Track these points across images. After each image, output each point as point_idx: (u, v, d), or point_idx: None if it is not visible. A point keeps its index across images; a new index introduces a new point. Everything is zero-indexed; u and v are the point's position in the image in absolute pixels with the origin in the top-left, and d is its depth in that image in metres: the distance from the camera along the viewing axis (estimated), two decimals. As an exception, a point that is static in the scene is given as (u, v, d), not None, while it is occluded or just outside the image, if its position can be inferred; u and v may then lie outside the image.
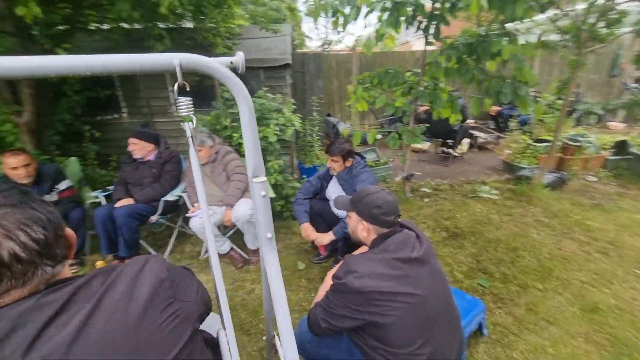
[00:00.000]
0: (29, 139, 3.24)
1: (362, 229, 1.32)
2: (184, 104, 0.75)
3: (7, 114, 3.19)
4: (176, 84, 0.71)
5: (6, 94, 3.11)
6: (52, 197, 2.63)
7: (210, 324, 1.29)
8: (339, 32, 11.20)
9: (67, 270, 0.70)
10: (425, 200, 3.74)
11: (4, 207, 0.60)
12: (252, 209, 2.34)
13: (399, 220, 1.36)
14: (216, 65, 0.74)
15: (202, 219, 2.32)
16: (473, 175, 4.49)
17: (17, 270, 0.59)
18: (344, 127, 6.18)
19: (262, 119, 3.08)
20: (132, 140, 2.76)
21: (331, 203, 2.48)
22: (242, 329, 1.99)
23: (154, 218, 2.68)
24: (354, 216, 1.36)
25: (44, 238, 0.62)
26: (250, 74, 3.95)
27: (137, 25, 3.32)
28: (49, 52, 2.77)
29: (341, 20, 2.85)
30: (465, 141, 5.68)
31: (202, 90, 4.11)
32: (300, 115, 3.41)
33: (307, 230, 2.38)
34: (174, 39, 3.92)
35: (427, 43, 3.24)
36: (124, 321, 0.64)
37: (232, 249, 2.67)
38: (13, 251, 0.58)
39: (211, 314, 1.45)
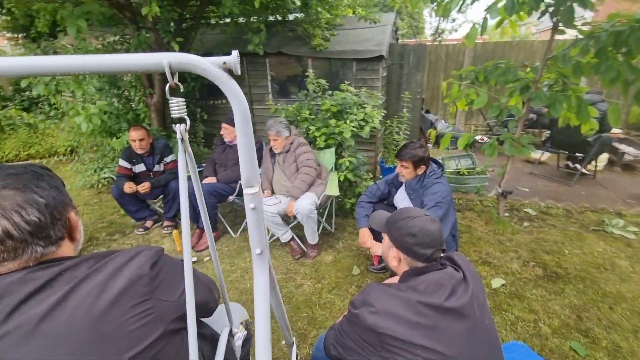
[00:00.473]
0: (156, 117, 3.92)
1: (392, 257, 1.13)
2: (176, 105, 0.73)
3: (142, 96, 3.93)
4: (167, 85, 0.69)
5: (144, 79, 3.81)
6: (160, 167, 3.14)
7: (234, 315, 1.31)
8: (453, 20, 10.09)
9: (65, 250, 0.77)
10: (525, 224, 3.09)
11: (7, 189, 0.68)
12: (314, 204, 2.31)
13: (444, 254, 1.12)
14: (207, 65, 0.68)
15: (272, 206, 2.43)
16: (604, 202, 3.50)
17: (9, 245, 0.66)
18: (442, 127, 5.61)
19: (341, 114, 3.00)
20: (223, 125, 3.05)
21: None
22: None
23: (231, 198, 2.94)
24: (386, 239, 1.18)
25: (37, 220, 0.69)
26: (343, 66, 3.89)
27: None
28: (165, 46, 3.24)
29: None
30: (604, 156, 4.47)
31: (292, 80, 4.26)
32: (384, 112, 3.19)
33: (364, 236, 2.23)
34: (278, 31, 4.15)
35: (556, 31, 2.58)
36: (89, 311, 0.67)
37: (292, 238, 2.73)
38: (6, 229, 0.66)
39: (237, 305, 1.47)
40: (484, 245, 2.75)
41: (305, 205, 2.47)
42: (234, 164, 3.04)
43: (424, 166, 2.14)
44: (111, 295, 0.70)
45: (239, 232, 3.06)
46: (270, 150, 2.83)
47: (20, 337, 0.63)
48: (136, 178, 3.09)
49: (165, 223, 3.19)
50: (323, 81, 3.16)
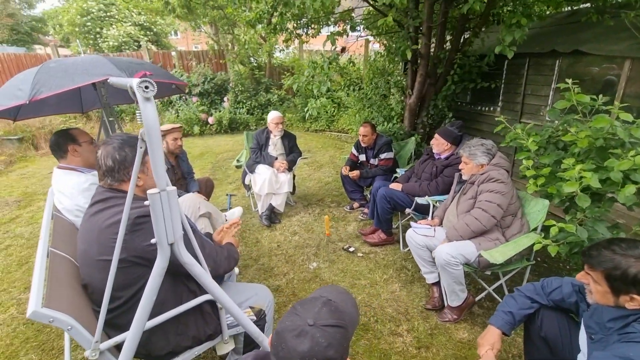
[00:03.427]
0: (408, 116, 4.21)
1: None
2: (139, 115, 1.01)
3: (401, 96, 4.29)
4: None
5: (409, 79, 4.12)
6: (375, 161, 3.47)
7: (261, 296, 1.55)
8: None
9: (124, 187, 1.33)
10: None
11: (109, 145, 1.28)
12: (458, 257, 1.84)
13: None
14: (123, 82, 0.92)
15: (421, 237, 2.18)
16: None
17: (100, 170, 1.29)
18: None
19: (603, 151, 1.86)
20: (436, 136, 2.83)
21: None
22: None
23: (408, 211, 2.78)
24: None
25: (112, 165, 1.27)
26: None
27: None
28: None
29: None
30: None
31: (590, 89, 2.93)
32: None
33: (487, 339, 1.47)
34: (582, 23, 2.97)
35: None
36: (100, 224, 1.20)
37: (437, 283, 2.23)
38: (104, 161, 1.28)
39: (264, 288, 1.61)
40: None
41: (443, 252, 1.93)
42: (427, 177, 2.80)
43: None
44: (110, 222, 1.18)
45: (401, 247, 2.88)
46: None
47: (84, 220, 1.28)
48: (360, 165, 3.62)
49: (366, 210, 3.57)
50: (586, 98, 2.01)
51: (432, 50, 3.84)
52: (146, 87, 0.88)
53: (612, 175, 1.72)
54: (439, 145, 2.78)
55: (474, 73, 3.86)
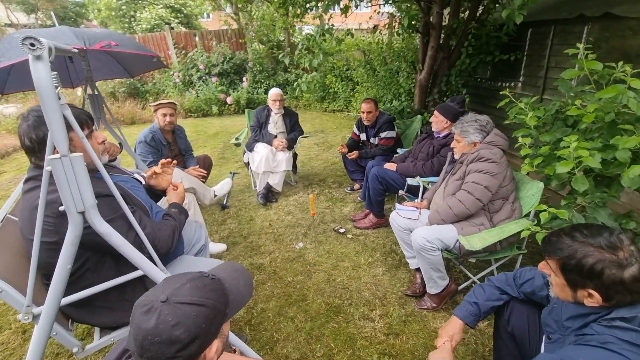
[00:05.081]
0: (418, 93, 3.95)
1: None
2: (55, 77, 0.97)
3: (413, 73, 4.01)
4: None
5: (420, 54, 3.84)
6: (375, 140, 3.30)
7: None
8: None
9: None
10: None
11: (24, 123, 1.26)
12: (435, 241, 1.71)
13: None
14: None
15: (404, 219, 2.06)
16: None
17: (23, 147, 1.28)
18: None
19: (613, 126, 1.60)
20: (434, 112, 2.62)
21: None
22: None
23: (401, 192, 2.63)
24: None
25: (31, 145, 1.24)
26: None
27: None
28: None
29: None
30: None
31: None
32: None
33: (448, 330, 1.35)
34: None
35: None
36: (32, 203, 1.18)
37: (419, 269, 2.10)
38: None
39: (218, 262, 1.59)
40: None
41: (419, 236, 1.78)
42: (424, 158, 2.61)
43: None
44: (42, 202, 1.18)
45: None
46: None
47: (21, 195, 1.27)
48: (362, 145, 3.47)
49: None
50: (599, 65, 1.71)
51: (445, 20, 3.52)
52: (32, 45, 0.83)
53: (618, 155, 1.47)
54: (438, 122, 2.56)
55: (491, 44, 3.50)
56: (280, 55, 3.40)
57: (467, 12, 3.48)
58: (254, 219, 3.13)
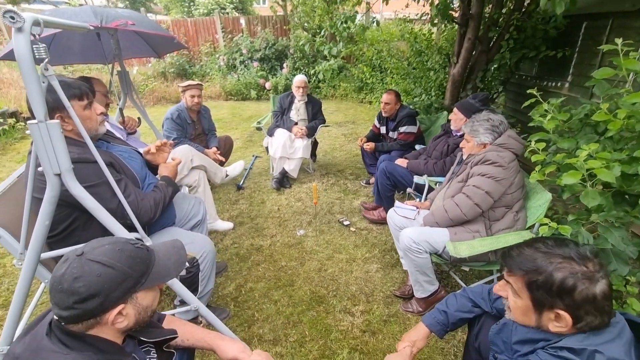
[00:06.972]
0: (451, 88, 3.73)
1: None
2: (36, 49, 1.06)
3: (446, 66, 3.76)
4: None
5: (456, 46, 3.59)
6: (394, 134, 3.18)
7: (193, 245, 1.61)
8: None
9: None
10: None
11: None
12: (422, 243, 1.64)
13: None
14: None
15: (400, 218, 2.01)
16: None
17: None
18: None
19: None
20: (454, 109, 2.46)
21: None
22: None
23: (409, 190, 2.52)
24: None
25: None
26: None
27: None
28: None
29: None
30: None
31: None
32: None
33: (410, 338, 1.29)
34: None
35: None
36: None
37: (412, 272, 2.02)
38: None
39: (206, 240, 1.66)
40: None
41: (406, 236, 1.70)
42: (437, 157, 2.47)
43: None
44: (33, 161, 1.30)
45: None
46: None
47: None
48: (382, 138, 3.37)
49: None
50: (637, 64, 1.46)
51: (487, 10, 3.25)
52: (12, 17, 0.91)
53: (640, 169, 1.28)
54: (457, 120, 2.40)
55: (537, 38, 3.16)
56: (317, 43, 3.35)
57: (511, 1, 3.17)
58: (264, 202, 3.20)
